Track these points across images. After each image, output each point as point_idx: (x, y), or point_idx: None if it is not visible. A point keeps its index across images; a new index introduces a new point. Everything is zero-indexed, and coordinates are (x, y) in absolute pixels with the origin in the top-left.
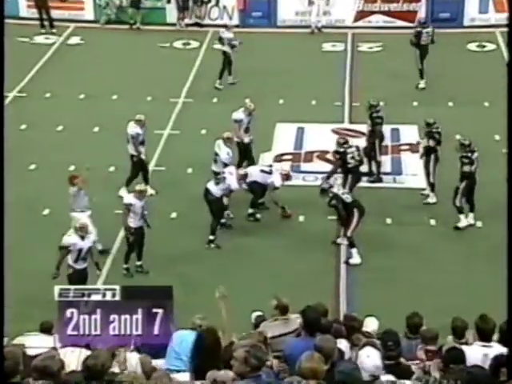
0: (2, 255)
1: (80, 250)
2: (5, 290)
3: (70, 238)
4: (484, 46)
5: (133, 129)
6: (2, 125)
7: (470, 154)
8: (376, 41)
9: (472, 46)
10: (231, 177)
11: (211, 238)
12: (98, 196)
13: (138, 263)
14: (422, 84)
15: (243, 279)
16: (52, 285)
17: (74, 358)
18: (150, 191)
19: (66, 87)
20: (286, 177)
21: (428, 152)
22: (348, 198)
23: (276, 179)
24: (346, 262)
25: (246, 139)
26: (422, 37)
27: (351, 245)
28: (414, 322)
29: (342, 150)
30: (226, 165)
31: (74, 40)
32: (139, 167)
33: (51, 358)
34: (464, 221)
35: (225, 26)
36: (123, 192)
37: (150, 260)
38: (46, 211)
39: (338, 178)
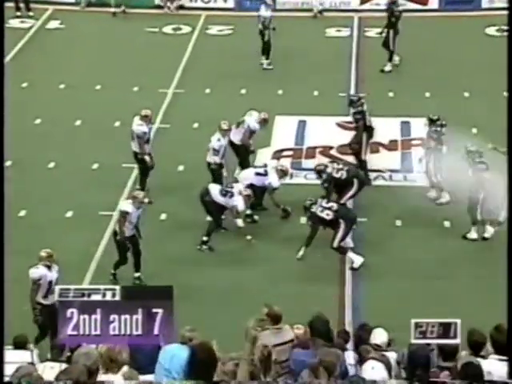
0: (2, 257)
1: (50, 283)
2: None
3: (39, 270)
4: (504, 30)
5: (139, 127)
6: (2, 122)
7: (483, 159)
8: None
9: (491, 31)
10: (239, 197)
11: (205, 239)
12: (81, 196)
13: (137, 275)
14: (388, 67)
15: (239, 285)
16: (21, 296)
17: (53, 374)
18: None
19: (44, 76)
20: (283, 173)
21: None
22: (329, 215)
23: (273, 179)
24: (352, 269)
25: (252, 147)
26: (394, 16)
27: (343, 252)
28: (474, 340)
29: (325, 176)
30: (215, 150)
31: (53, 24)
32: (137, 160)
33: (29, 375)
34: (474, 233)
35: (264, 3)
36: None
37: None
38: (22, 213)
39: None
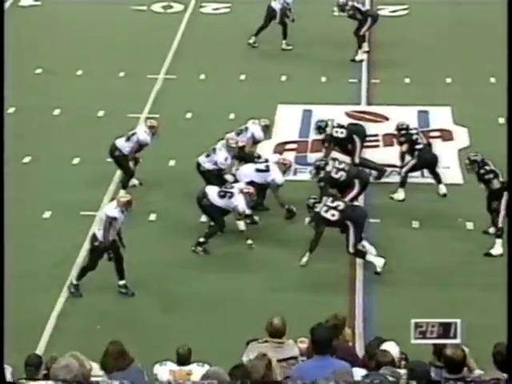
0: (2, 257)
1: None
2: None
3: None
4: None
5: (145, 136)
6: (2, 123)
7: (488, 168)
8: (400, 3)
9: None
10: (240, 196)
11: (201, 240)
12: (60, 194)
13: (121, 283)
14: (360, 56)
15: (237, 292)
16: None
17: None
18: (134, 181)
19: (18, 60)
20: (285, 166)
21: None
22: (334, 216)
23: (277, 176)
24: (376, 273)
25: (256, 153)
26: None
27: (361, 256)
28: (499, 351)
29: (322, 175)
30: (220, 170)
31: (27, 0)
32: (123, 162)
33: None
34: (500, 248)
35: None
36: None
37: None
38: None
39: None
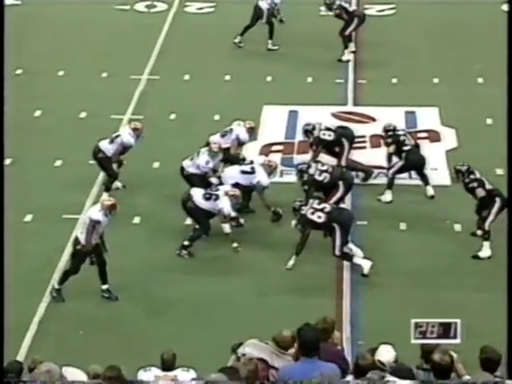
0: (3, 256)
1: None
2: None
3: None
4: None
5: (129, 138)
6: (2, 119)
7: (473, 176)
8: (387, 2)
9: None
10: (225, 199)
11: (186, 243)
12: (42, 197)
13: (104, 287)
14: (347, 56)
15: (222, 297)
16: None
17: None
18: (118, 184)
19: None
20: (270, 168)
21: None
22: (320, 218)
23: (262, 177)
24: (363, 275)
25: (241, 155)
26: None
27: (347, 259)
28: (487, 357)
29: (306, 178)
30: (206, 173)
31: (7, 0)
32: (106, 164)
33: None
34: (487, 250)
35: None
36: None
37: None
38: None
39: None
